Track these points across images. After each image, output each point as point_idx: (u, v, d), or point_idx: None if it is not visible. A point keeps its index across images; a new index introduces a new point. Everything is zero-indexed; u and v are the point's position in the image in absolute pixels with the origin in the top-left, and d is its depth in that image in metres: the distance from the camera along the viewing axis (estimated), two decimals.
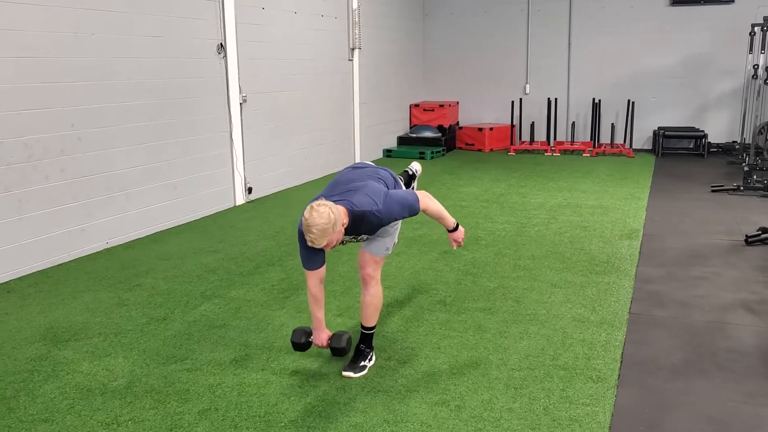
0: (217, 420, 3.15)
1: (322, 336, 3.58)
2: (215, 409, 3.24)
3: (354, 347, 3.71)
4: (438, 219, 3.54)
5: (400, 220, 3.65)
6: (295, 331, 3.60)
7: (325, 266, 3.47)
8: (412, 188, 4.28)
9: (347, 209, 3.21)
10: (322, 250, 3.36)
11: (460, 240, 3.66)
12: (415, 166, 4.35)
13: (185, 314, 4.47)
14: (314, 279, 3.47)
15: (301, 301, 4.63)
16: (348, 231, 3.29)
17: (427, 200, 3.43)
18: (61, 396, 3.39)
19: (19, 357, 3.85)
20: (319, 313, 3.55)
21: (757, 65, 9.49)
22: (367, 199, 3.27)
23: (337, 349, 3.53)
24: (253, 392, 3.41)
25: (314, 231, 3.03)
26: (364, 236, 3.45)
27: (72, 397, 3.38)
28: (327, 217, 3.03)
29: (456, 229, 3.62)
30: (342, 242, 3.36)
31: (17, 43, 5.12)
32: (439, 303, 4.61)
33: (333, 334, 3.57)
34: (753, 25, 9.66)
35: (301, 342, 3.57)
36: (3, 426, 3.12)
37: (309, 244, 3.11)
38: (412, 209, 3.36)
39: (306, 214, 3.07)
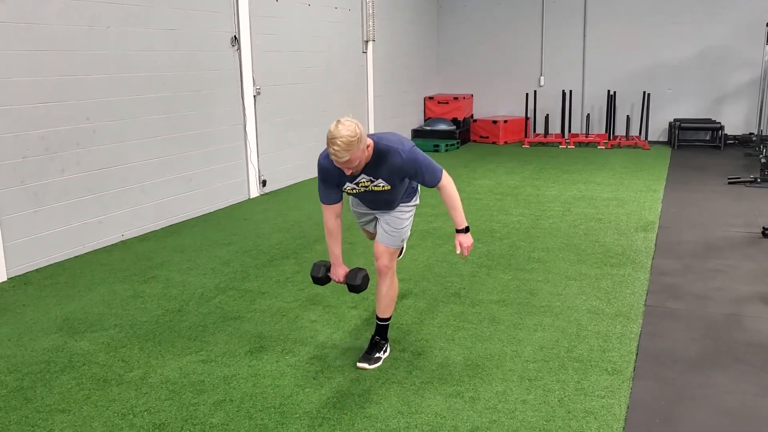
0: (232, 411, 3.16)
1: (339, 271, 3.57)
2: (230, 400, 3.25)
3: (369, 338, 3.72)
4: (450, 208, 3.47)
5: (414, 210, 3.63)
6: (314, 265, 3.61)
7: (341, 203, 3.47)
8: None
9: (373, 140, 3.22)
10: (339, 188, 3.37)
11: (466, 246, 3.52)
12: None
13: (200, 306, 4.49)
14: (331, 213, 3.47)
15: (316, 294, 4.64)
16: (368, 168, 3.26)
17: (449, 180, 3.41)
18: (78, 387, 3.42)
19: (36, 348, 3.88)
20: (336, 249, 3.55)
21: None
22: (395, 139, 3.29)
23: (352, 285, 3.51)
24: (267, 383, 3.42)
25: (338, 143, 3.00)
26: (381, 183, 3.33)
27: (88, 387, 3.41)
28: (353, 131, 3.02)
29: (465, 231, 3.53)
30: (356, 183, 3.33)
31: (34, 36, 5.15)
32: (454, 295, 4.60)
33: (349, 271, 3.56)
34: None
35: (320, 276, 3.58)
36: (20, 416, 3.15)
37: (332, 157, 3.08)
38: (434, 174, 3.33)
39: (332, 127, 3.05)
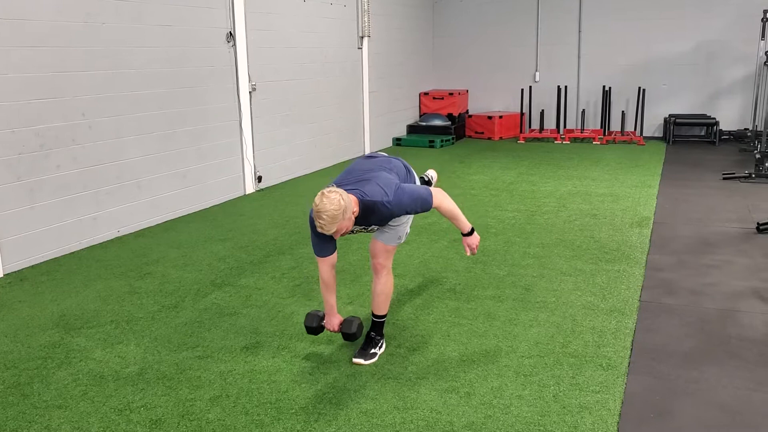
0: (229, 406, 3.17)
1: (333, 321, 3.58)
2: (226, 396, 3.26)
3: (365, 334, 3.73)
4: (451, 219, 3.49)
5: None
6: (308, 315, 3.62)
7: (336, 253, 3.48)
8: None
9: (358, 198, 3.22)
10: (332, 238, 3.37)
11: (474, 246, 3.58)
12: (431, 173, 4.34)
13: (196, 302, 4.49)
14: (326, 266, 3.48)
15: (311, 289, 4.65)
16: (358, 221, 3.30)
17: (441, 197, 3.41)
18: (75, 383, 3.42)
19: (33, 344, 3.88)
20: (331, 299, 3.57)
21: None
22: (378, 190, 3.27)
23: (348, 334, 3.54)
24: (264, 379, 3.43)
25: (324, 217, 3.05)
26: (374, 227, 3.45)
27: (85, 383, 3.41)
28: (337, 204, 3.04)
29: (471, 234, 3.56)
30: (352, 231, 3.37)
31: (29, 32, 5.13)
32: (449, 291, 4.61)
33: (344, 320, 3.58)
34: (765, 11, 9.57)
35: (314, 326, 3.59)
36: (17, 412, 3.15)
37: (318, 230, 3.12)
38: (424, 203, 3.34)
39: (317, 200, 3.08)
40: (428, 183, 4.26)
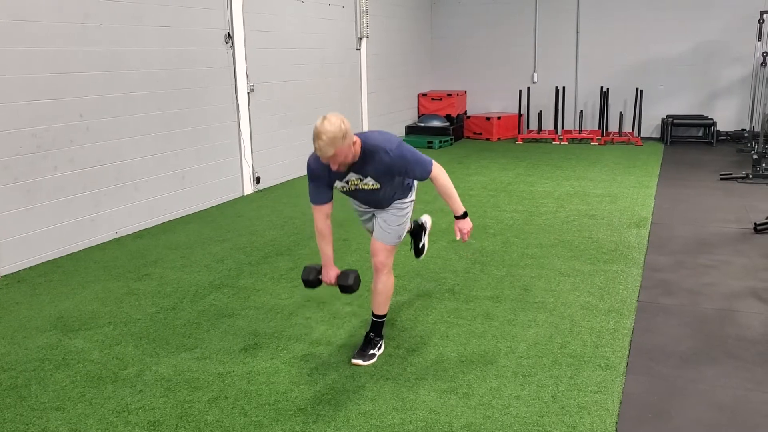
0: (227, 408, 3.17)
1: (330, 273, 3.56)
2: (225, 397, 3.26)
3: (364, 335, 3.73)
4: (445, 197, 3.47)
5: (411, 205, 3.63)
6: (305, 269, 3.60)
7: (331, 203, 3.48)
8: (424, 230, 4.27)
9: (361, 139, 3.24)
10: (329, 188, 3.39)
11: (466, 231, 3.54)
12: (426, 218, 4.32)
13: (194, 303, 4.49)
14: (320, 214, 3.48)
15: (310, 291, 4.64)
16: (355, 166, 3.28)
17: (440, 169, 3.41)
18: (72, 384, 3.42)
19: (30, 346, 3.88)
20: (327, 249, 3.54)
21: (766, 52, 9.42)
22: (381, 137, 3.30)
23: (344, 286, 3.50)
24: (262, 380, 3.42)
25: (323, 138, 3.03)
26: (369, 182, 3.35)
27: (83, 385, 3.41)
28: (338, 127, 3.04)
29: (464, 217, 3.54)
30: (346, 180, 3.34)
31: (26, 33, 5.13)
32: (448, 291, 4.61)
33: (341, 272, 3.54)
34: (762, 12, 9.59)
35: (311, 279, 3.56)
36: (15, 414, 3.15)
37: (316, 152, 3.11)
38: (424, 166, 3.34)
39: (318, 122, 3.08)
40: (421, 227, 4.24)
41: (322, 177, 3.37)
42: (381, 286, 3.60)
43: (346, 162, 3.19)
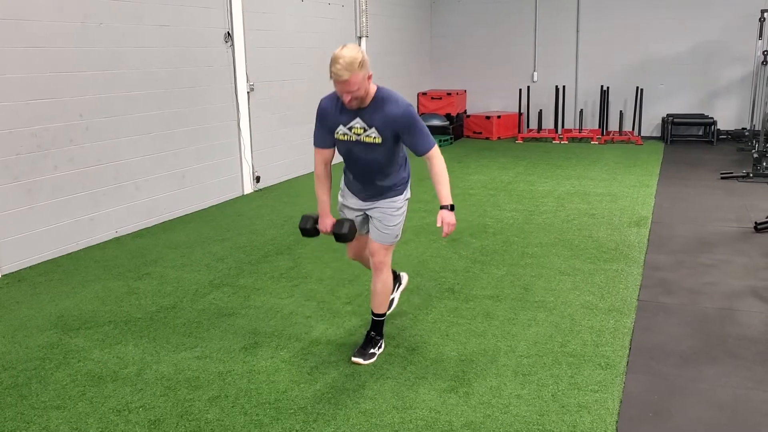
0: (227, 407, 3.17)
1: (326, 222, 3.57)
2: (225, 396, 3.26)
3: (364, 335, 3.73)
4: (438, 182, 3.38)
5: (406, 204, 3.58)
6: (302, 217, 3.63)
7: (333, 151, 3.49)
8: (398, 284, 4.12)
9: (377, 87, 3.30)
10: (331, 134, 3.40)
11: (448, 223, 3.37)
12: (404, 276, 4.19)
13: (194, 302, 4.49)
14: (321, 158, 3.51)
15: (310, 290, 4.65)
16: (364, 113, 3.29)
17: (441, 155, 3.41)
18: (73, 383, 3.42)
19: (31, 345, 3.88)
20: (324, 197, 3.57)
21: (767, 51, 9.42)
22: (397, 94, 3.35)
23: (339, 235, 3.50)
24: (262, 379, 3.42)
25: (341, 62, 3.07)
26: (373, 134, 3.31)
27: (83, 384, 3.41)
28: (356, 52, 3.11)
29: (450, 210, 3.40)
30: (350, 127, 3.33)
31: (26, 32, 5.13)
32: (448, 291, 4.61)
33: (336, 221, 3.55)
34: (763, 11, 9.58)
35: (308, 227, 3.59)
36: (16, 413, 3.15)
37: (333, 77, 3.13)
38: (427, 139, 3.35)
39: (337, 49, 3.13)
40: (396, 278, 4.05)
41: (328, 119, 3.40)
42: (380, 286, 3.59)
43: (359, 96, 3.20)
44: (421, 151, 3.38)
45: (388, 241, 3.54)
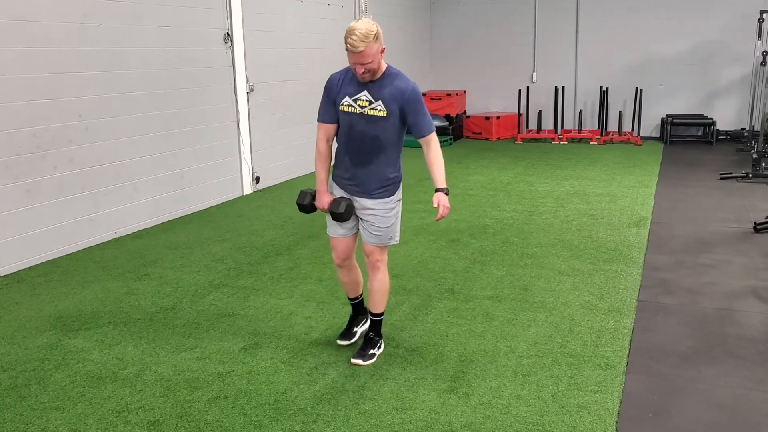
0: (227, 408, 3.16)
1: (324, 199, 3.57)
2: (225, 397, 3.26)
3: (364, 332, 3.73)
4: (433, 164, 3.43)
5: (399, 205, 3.55)
6: (300, 193, 3.64)
7: (335, 126, 3.50)
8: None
9: (388, 65, 3.38)
10: (335, 107, 3.42)
11: (444, 206, 3.38)
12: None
13: (194, 303, 4.48)
14: (323, 133, 3.53)
15: (309, 290, 4.65)
16: (373, 86, 3.34)
17: (438, 142, 3.48)
18: (72, 384, 3.41)
19: (30, 346, 3.87)
20: (323, 174, 3.58)
21: (766, 52, 9.42)
22: (402, 72, 3.44)
23: (335, 213, 3.50)
24: (262, 380, 3.42)
25: (356, 33, 3.14)
26: (378, 106, 3.34)
27: (83, 385, 3.40)
28: (371, 25, 3.19)
29: (445, 193, 3.43)
30: (355, 99, 3.35)
31: (26, 33, 5.12)
32: (447, 291, 4.61)
33: (333, 199, 3.55)
34: (762, 12, 9.59)
35: (305, 203, 3.60)
36: (15, 414, 3.14)
37: (348, 48, 3.19)
38: (429, 121, 3.42)
39: (352, 23, 3.21)
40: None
41: (334, 88, 3.43)
42: (377, 284, 3.59)
43: (372, 68, 3.25)
44: (422, 132, 3.42)
45: (382, 242, 3.52)
